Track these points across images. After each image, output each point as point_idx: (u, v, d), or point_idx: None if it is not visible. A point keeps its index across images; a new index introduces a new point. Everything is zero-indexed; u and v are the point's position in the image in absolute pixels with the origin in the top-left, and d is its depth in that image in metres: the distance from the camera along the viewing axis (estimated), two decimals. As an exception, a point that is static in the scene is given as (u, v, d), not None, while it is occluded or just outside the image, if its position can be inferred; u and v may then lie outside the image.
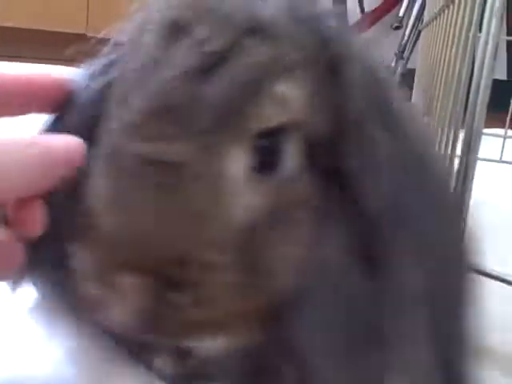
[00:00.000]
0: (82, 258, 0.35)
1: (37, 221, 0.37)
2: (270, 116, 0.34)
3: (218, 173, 0.34)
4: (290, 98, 0.35)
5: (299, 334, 0.35)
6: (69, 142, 0.37)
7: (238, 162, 0.34)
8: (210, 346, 0.35)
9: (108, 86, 0.38)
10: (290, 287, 0.35)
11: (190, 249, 0.33)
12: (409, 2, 1.99)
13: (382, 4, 2.61)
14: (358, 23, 2.69)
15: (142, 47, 0.35)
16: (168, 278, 0.33)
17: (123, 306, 0.33)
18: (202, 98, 0.33)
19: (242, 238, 0.34)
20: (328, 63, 0.36)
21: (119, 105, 0.35)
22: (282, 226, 0.35)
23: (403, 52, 1.94)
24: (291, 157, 0.36)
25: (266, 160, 0.35)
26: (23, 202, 0.36)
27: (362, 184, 0.35)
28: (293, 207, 0.36)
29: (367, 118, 0.36)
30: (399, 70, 1.91)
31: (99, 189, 0.34)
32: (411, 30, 1.99)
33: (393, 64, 1.90)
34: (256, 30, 0.34)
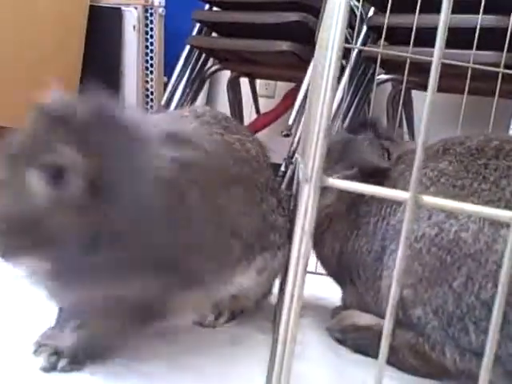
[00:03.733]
0: None
1: None
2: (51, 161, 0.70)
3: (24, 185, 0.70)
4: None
5: None
6: None
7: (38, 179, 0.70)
8: None
9: None
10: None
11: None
12: (297, 112, 2.10)
13: (275, 109, 2.78)
14: (253, 123, 2.79)
15: None
16: None
17: None
18: None
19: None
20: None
21: None
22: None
23: (292, 157, 2.10)
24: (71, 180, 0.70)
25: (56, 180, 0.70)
26: None
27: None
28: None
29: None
30: (289, 173, 2.07)
31: None
32: (300, 138, 2.10)
33: (283, 168, 2.09)
34: None
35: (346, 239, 1.04)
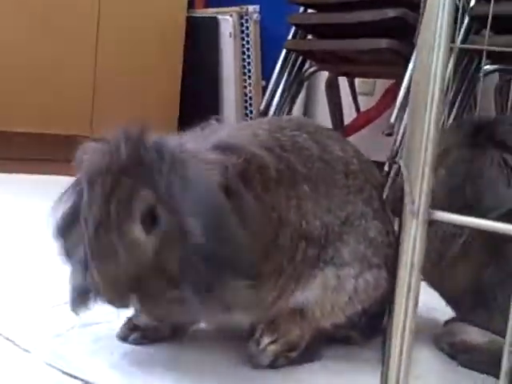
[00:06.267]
0: None
1: None
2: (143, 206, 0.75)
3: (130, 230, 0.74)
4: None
5: None
6: None
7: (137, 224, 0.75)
8: None
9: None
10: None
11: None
12: (399, 110, 2.02)
13: (375, 106, 2.65)
14: (353, 121, 2.53)
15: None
16: None
17: None
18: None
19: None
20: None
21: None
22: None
23: (395, 157, 2.00)
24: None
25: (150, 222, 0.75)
26: None
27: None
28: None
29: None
30: (392, 174, 1.95)
31: None
32: (402, 137, 2.00)
33: (386, 168, 1.98)
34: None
35: (485, 266, 0.95)
